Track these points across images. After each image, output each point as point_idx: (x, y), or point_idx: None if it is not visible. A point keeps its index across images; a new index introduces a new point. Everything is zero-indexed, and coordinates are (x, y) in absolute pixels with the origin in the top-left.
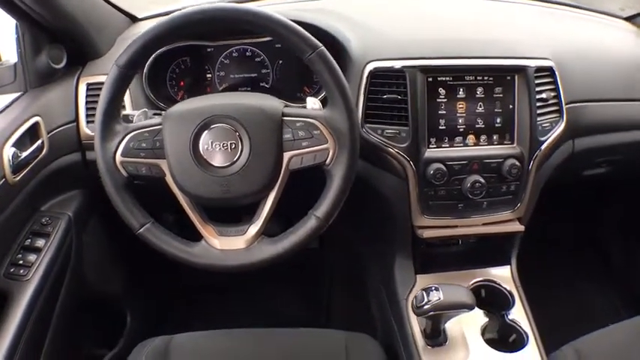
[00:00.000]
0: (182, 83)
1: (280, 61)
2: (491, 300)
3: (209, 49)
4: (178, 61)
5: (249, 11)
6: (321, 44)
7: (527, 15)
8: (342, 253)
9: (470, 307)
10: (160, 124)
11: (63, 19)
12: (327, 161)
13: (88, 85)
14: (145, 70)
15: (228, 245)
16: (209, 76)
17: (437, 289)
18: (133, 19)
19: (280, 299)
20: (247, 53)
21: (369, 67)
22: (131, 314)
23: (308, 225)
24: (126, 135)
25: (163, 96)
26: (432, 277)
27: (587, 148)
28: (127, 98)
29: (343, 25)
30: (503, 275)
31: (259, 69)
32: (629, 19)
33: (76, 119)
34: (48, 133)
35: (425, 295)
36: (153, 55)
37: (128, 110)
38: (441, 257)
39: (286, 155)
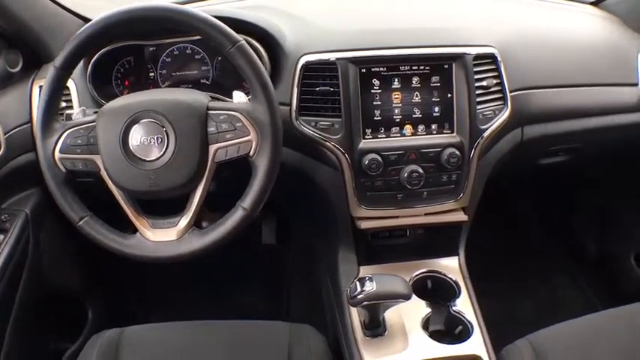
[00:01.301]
0: (127, 82)
1: (219, 58)
2: (438, 291)
3: (151, 48)
4: (123, 60)
5: (172, 9)
6: (240, 38)
7: (473, 3)
8: (299, 247)
9: (405, 297)
10: (94, 121)
11: (15, 25)
12: (251, 152)
13: (41, 87)
14: (89, 71)
15: (160, 237)
16: (152, 74)
17: (371, 280)
18: (86, 21)
19: (242, 294)
20: (187, 51)
21: (302, 60)
22: (92, 309)
23: (235, 216)
24: (64, 132)
25: (109, 95)
26: (376, 269)
27: (538, 136)
28: (74, 98)
29: (279, 20)
30: (450, 266)
31: (200, 66)
32: (594, 3)
33: (30, 120)
34: (5, 134)
35: (359, 285)
36: (97, 55)
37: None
38: (388, 249)
39: (212, 148)
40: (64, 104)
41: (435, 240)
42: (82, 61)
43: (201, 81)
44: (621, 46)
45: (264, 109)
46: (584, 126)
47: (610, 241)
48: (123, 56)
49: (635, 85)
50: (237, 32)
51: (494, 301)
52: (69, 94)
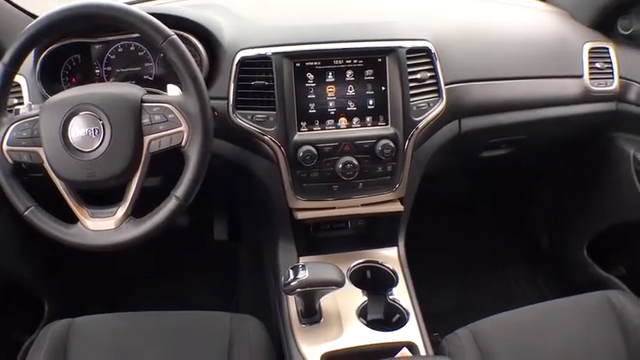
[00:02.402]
0: (74, 79)
1: (161, 54)
2: (377, 281)
3: (97, 46)
4: (71, 58)
5: (107, 6)
6: (172, 33)
7: (413, 1)
8: (250, 243)
9: (338, 285)
10: (38, 115)
11: None
12: (183, 143)
13: None
14: (37, 68)
15: (100, 226)
16: (98, 71)
17: (304, 268)
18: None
19: (193, 290)
20: (131, 48)
21: (239, 55)
22: (48, 301)
23: (169, 205)
24: (10, 126)
25: (57, 92)
26: (315, 259)
27: (477, 129)
28: (25, 94)
29: (221, 18)
30: (390, 256)
31: (143, 62)
32: None
33: None
34: None
35: (292, 273)
36: (46, 53)
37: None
38: (330, 240)
39: (146, 139)
40: (15, 100)
41: (376, 231)
42: (32, 59)
43: (145, 77)
44: (567, 38)
45: (194, 102)
46: (526, 118)
47: (562, 233)
48: (71, 54)
49: (580, 76)
50: (176, 29)
51: (447, 293)
52: (20, 91)
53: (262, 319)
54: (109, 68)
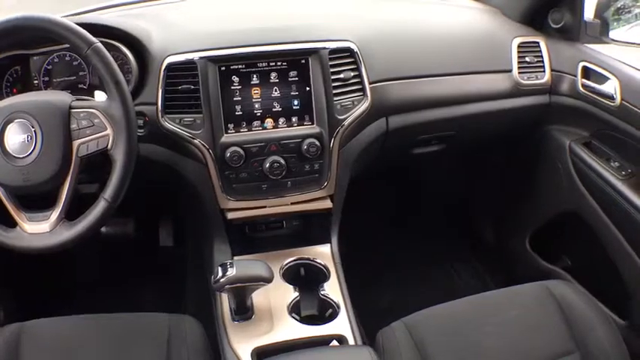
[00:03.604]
0: (15, 90)
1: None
2: (311, 277)
3: (35, 57)
4: (11, 70)
5: (33, 18)
6: (96, 41)
7: (337, 3)
8: (192, 245)
9: (266, 280)
10: None
11: None
12: (109, 146)
13: None
14: None
15: (36, 229)
16: (36, 82)
17: (232, 265)
18: None
19: (140, 296)
20: (67, 58)
21: (167, 61)
22: (3, 308)
23: (98, 207)
24: None
25: None
26: (249, 258)
27: (404, 126)
28: None
29: (152, 26)
30: (323, 253)
31: (77, 72)
32: None
33: None
34: None
35: (221, 270)
36: None
37: None
38: (265, 240)
39: (75, 143)
40: None
41: (310, 229)
42: None
43: (79, 85)
44: (495, 34)
45: (118, 106)
46: (455, 114)
47: (505, 227)
48: (11, 66)
49: (510, 71)
50: (105, 37)
51: (391, 290)
52: None
53: (207, 320)
54: (47, 78)
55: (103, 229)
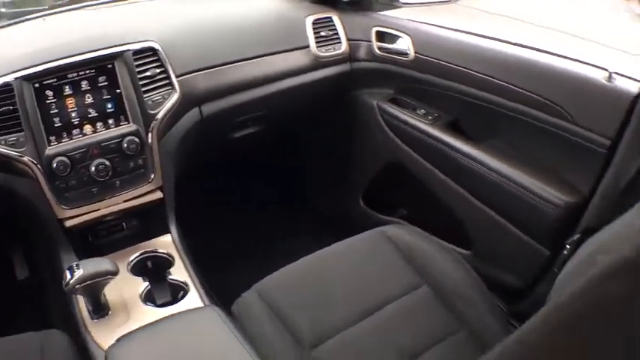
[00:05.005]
0: None
1: None
2: (159, 267)
3: None
4: None
5: None
6: None
7: (140, 12)
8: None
9: (113, 273)
10: None
11: None
12: None
13: None
14: None
15: None
16: None
17: (78, 266)
18: None
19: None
20: None
21: None
22: None
23: None
24: None
25: None
26: None
27: (218, 111)
28: None
29: None
30: (165, 242)
31: None
32: None
33: None
34: None
35: (69, 273)
36: None
37: None
38: (110, 244)
39: None
40: None
41: (149, 225)
42: None
43: None
44: (289, 16)
45: None
46: (263, 93)
47: (338, 193)
48: None
49: (307, 47)
50: None
51: (243, 274)
52: None
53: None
54: None
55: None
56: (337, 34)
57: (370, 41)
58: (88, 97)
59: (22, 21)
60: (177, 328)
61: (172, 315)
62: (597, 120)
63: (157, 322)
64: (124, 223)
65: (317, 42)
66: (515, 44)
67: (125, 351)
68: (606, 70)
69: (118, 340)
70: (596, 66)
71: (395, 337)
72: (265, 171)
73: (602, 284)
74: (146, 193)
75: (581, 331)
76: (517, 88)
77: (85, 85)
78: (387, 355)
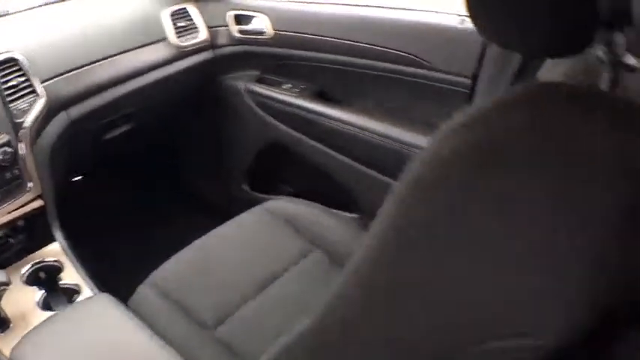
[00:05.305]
0: None
1: None
2: (51, 275)
3: None
4: None
5: None
6: None
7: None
8: None
9: (5, 284)
10: None
11: None
12: None
13: None
14: None
15: None
16: None
17: None
18: None
19: None
20: None
21: None
22: None
23: None
24: None
25: None
26: None
27: (85, 113)
28: None
29: None
30: (52, 250)
31: None
32: None
33: None
34: None
35: None
36: None
37: None
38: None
39: None
40: None
41: (35, 236)
42: None
43: None
44: (146, 10)
45: None
46: (127, 90)
47: (221, 180)
48: None
49: (165, 39)
50: None
51: (139, 271)
52: None
53: None
54: None
55: None
56: (194, 23)
57: (227, 26)
58: None
59: None
60: (73, 316)
61: (67, 309)
62: (455, 62)
63: (53, 316)
64: (9, 238)
65: (177, 33)
66: (366, 6)
67: (29, 347)
68: (458, 14)
69: (20, 341)
70: (447, 13)
71: (295, 304)
72: (149, 170)
73: None
74: (26, 203)
75: None
76: (376, 47)
77: None
78: (288, 321)
